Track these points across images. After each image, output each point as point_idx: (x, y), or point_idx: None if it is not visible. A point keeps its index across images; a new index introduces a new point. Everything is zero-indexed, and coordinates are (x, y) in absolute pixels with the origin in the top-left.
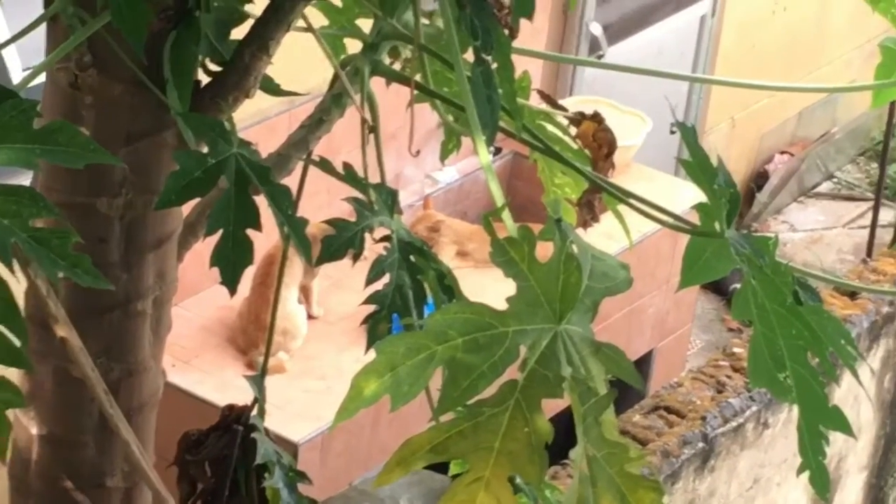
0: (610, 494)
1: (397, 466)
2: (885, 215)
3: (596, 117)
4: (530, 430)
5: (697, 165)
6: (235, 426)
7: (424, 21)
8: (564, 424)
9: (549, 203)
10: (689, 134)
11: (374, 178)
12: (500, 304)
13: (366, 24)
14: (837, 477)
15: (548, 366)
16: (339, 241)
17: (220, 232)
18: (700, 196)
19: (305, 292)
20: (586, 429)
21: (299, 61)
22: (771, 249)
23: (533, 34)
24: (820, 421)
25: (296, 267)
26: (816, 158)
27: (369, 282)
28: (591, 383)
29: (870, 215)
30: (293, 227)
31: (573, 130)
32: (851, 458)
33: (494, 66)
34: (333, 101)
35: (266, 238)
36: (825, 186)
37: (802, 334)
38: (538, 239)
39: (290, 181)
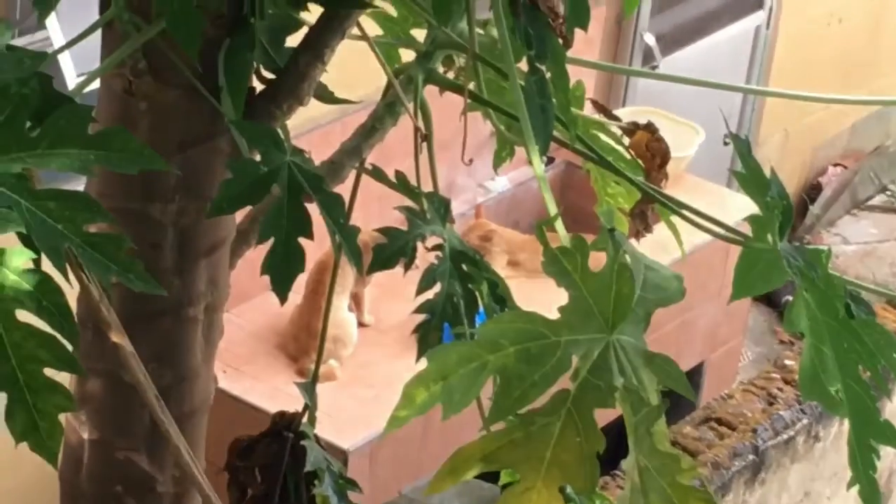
0: None
1: (448, 475)
2: None
3: (649, 127)
4: (582, 439)
5: (750, 177)
6: (286, 433)
7: (479, 30)
8: (614, 434)
9: (602, 213)
10: (742, 146)
11: (426, 187)
12: (552, 315)
13: (420, 34)
14: (888, 491)
15: (600, 376)
16: (391, 250)
17: (272, 240)
18: (753, 208)
19: (357, 300)
20: (638, 439)
21: (353, 70)
22: (823, 262)
23: (587, 44)
24: (871, 435)
25: (347, 275)
26: (870, 171)
27: (420, 291)
28: (644, 394)
29: None
30: (345, 236)
31: (626, 141)
32: None
33: (548, 75)
34: (387, 110)
35: (318, 245)
36: (878, 199)
37: (854, 347)
38: (591, 249)
39: (343, 189)
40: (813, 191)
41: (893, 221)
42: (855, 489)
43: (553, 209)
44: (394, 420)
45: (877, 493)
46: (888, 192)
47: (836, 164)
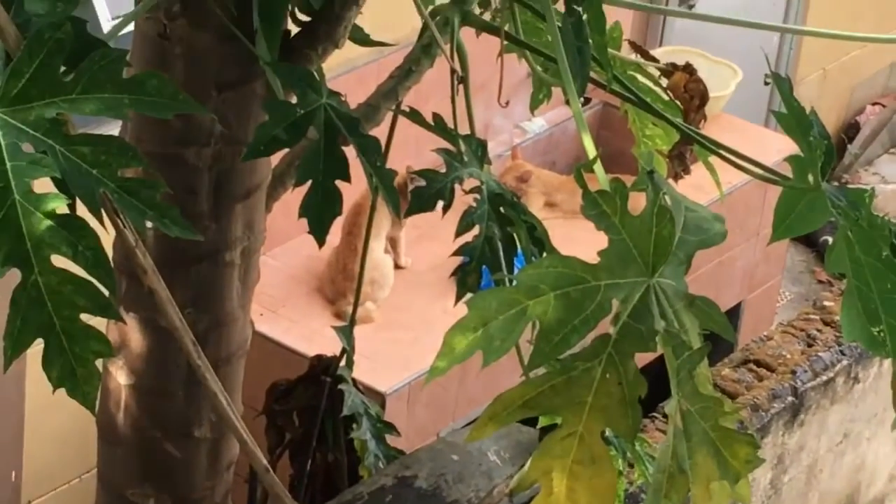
0: (704, 449)
1: (489, 422)
2: None
3: (688, 68)
4: (623, 384)
5: (792, 117)
6: (324, 377)
7: None
8: (652, 375)
9: (640, 155)
10: (784, 86)
11: (463, 129)
12: (589, 256)
13: None
14: None
15: (641, 320)
16: (429, 193)
17: (309, 183)
18: (791, 147)
19: (393, 243)
20: (680, 383)
21: (389, 11)
22: (867, 202)
23: None
24: None
25: (383, 217)
26: None
27: (459, 233)
28: (685, 337)
29: None
30: (382, 178)
31: (664, 82)
32: None
33: (585, 16)
34: (423, 52)
35: (353, 187)
36: None
37: None
38: (629, 191)
39: (379, 132)
40: (851, 130)
41: None
42: None
43: (592, 151)
44: (434, 370)
45: None
46: None
47: (874, 103)
